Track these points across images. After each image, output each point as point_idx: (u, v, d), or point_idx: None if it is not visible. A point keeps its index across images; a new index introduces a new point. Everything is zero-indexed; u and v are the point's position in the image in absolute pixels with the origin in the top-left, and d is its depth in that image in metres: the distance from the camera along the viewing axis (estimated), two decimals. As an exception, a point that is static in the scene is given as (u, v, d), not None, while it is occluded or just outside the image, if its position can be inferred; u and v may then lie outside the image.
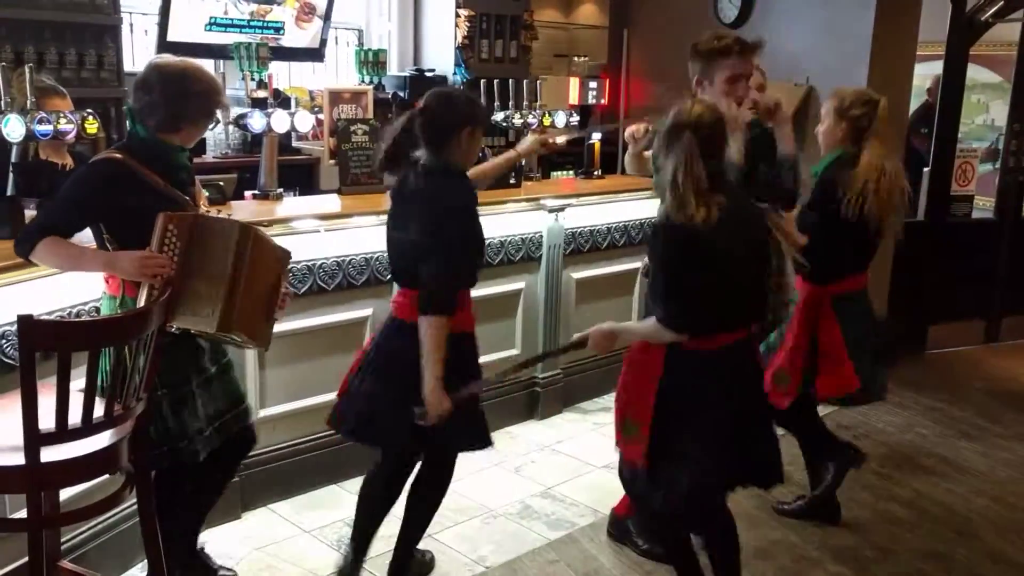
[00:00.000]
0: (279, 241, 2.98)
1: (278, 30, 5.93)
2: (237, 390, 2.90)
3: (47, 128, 2.97)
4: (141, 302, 2.49)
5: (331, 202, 4.06)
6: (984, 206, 6.61)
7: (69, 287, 2.86)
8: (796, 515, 3.64)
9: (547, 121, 5.01)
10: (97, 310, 2.87)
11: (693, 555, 2.86)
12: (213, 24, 5.61)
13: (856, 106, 3.29)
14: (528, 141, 3.45)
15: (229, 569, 3.11)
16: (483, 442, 2.93)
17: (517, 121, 4.84)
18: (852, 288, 3.45)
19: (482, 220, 2.83)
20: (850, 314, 3.40)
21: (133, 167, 2.56)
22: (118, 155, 2.59)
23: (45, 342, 2.19)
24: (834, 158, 3.36)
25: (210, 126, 2.83)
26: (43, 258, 2.55)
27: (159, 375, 2.50)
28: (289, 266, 2.96)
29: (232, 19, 5.70)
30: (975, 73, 6.77)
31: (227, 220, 2.66)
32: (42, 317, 2.20)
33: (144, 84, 2.64)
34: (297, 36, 6.07)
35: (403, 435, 2.78)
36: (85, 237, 2.68)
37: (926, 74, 6.44)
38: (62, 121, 3.01)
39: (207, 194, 3.13)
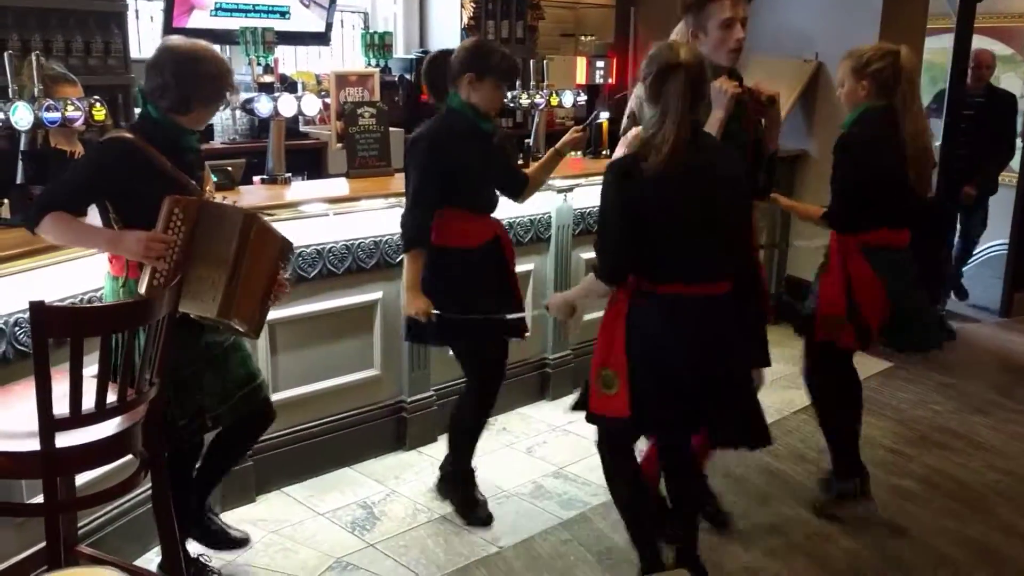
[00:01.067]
0: (288, 226, 2.98)
1: (283, 14, 5.91)
2: (248, 369, 2.91)
3: (55, 115, 2.98)
4: (143, 285, 2.50)
5: (339, 186, 4.06)
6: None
7: (81, 274, 2.87)
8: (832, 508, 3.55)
9: (554, 101, 5.00)
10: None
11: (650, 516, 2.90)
12: (219, 9, 5.60)
13: (875, 60, 3.18)
14: (565, 139, 3.51)
15: (241, 531, 3.21)
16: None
17: (524, 101, 4.82)
18: (887, 242, 3.28)
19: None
20: (886, 263, 3.26)
21: (142, 147, 2.57)
22: (128, 135, 2.60)
23: (57, 328, 2.20)
24: (861, 112, 3.24)
25: (220, 108, 2.81)
26: (48, 232, 2.54)
27: None
28: (290, 255, 2.97)
29: (237, 3, 5.69)
30: (986, 45, 6.70)
31: (232, 207, 2.67)
32: (54, 303, 2.20)
33: (155, 65, 2.64)
34: (303, 20, 6.05)
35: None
36: (94, 220, 2.68)
37: (936, 48, 6.37)
38: (70, 108, 3.02)
39: (215, 179, 3.13)
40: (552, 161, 3.56)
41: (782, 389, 4.69)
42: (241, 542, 3.20)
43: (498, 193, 3.42)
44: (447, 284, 3.22)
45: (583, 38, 7.50)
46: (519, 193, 3.52)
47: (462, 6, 6.52)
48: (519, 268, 4.35)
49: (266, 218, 2.76)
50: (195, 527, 3.04)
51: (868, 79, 3.19)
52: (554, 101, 4.99)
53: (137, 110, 5.01)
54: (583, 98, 5.37)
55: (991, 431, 4.39)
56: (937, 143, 6.03)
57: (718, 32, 2.90)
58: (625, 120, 3.76)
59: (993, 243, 6.86)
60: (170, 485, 2.56)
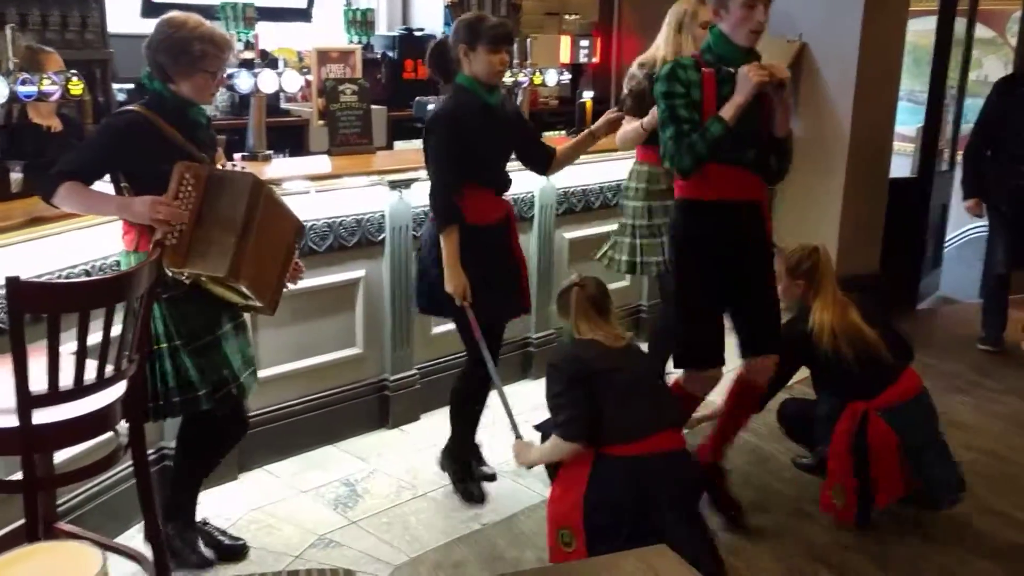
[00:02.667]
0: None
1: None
2: (248, 353, 2.94)
3: (31, 90, 2.94)
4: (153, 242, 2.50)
5: (321, 163, 4.03)
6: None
7: (72, 247, 2.87)
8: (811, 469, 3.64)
9: (538, 80, 4.98)
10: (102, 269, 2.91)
11: None
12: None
13: (804, 261, 3.35)
14: (601, 121, 3.52)
15: (237, 538, 3.11)
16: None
17: (508, 80, 4.79)
18: (896, 399, 3.30)
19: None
20: (904, 421, 3.29)
21: (152, 119, 2.63)
22: (138, 108, 2.66)
23: (33, 304, 2.18)
24: (800, 309, 3.40)
25: (212, 72, 2.70)
26: (63, 201, 2.60)
27: (178, 326, 2.65)
28: (302, 237, 3.02)
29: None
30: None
31: (241, 172, 2.71)
32: (30, 279, 2.17)
33: (148, 39, 2.69)
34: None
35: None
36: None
37: (919, 29, 6.38)
38: (45, 82, 2.98)
39: (230, 164, 3.06)
40: (585, 142, 3.55)
41: (764, 368, 4.71)
42: (238, 551, 3.06)
43: (523, 166, 3.53)
44: (465, 260, 3.19)
45: (567, 17, 7.46)
46: (544, 166, 3.55)
47: (445, -17, 6.48)
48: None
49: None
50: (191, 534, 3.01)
51: (800, 278, 3.35)
52: (537, 80, 4.97)
53: (116, 86, 5.00)
54: (567, 77, 5.35)
55: (971, 410, 4.43)
56: (919, 124, 6.08)
57: (740, 11, 2.87)
58: (627, 98, 3.76)
59: (975, 224, 6.90)
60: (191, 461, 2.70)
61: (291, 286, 2.89)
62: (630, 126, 3.74)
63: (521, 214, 4.38)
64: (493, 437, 3.69)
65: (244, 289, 2.63)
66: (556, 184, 4.48)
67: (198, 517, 3.05)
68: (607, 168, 4.78)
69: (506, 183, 3.38)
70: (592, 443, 2.69)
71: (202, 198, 2.57)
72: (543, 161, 3.54)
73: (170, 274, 2.56)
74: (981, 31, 7.26)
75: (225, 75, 2.92)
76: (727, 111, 2.86)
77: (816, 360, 3.30)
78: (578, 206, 4.68)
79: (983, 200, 5.21)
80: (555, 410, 2.76)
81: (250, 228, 2.57)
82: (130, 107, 2.69)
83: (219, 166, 2.82)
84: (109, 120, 2.72)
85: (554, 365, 2.79)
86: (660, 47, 3.76)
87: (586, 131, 3.57)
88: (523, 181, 4.32)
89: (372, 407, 3.98)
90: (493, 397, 3.41)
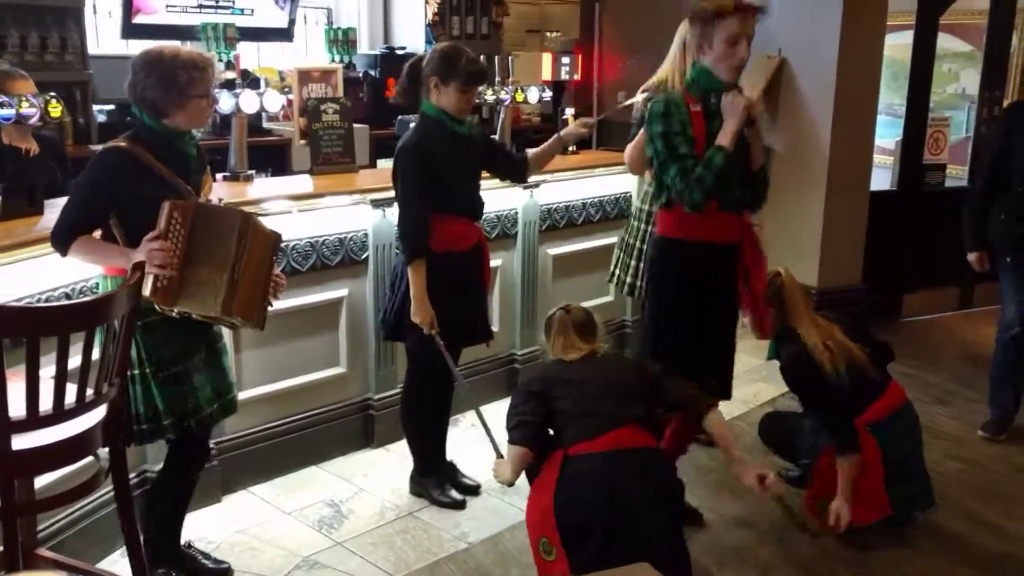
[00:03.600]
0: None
1: (244, 11, 5.85)
2: (229, 379, 2.92)
3: (9, 112, 2.93)
4: (147, 288, 2.49)
5: (303, 182, 4.02)
6: (957, 174, 6.65)
7: (52, 269, 2.84)
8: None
9: (520, 97, 4.99)
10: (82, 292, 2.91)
11: None
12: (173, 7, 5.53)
13: (767, 287, 3.34)
14: (570, 128, 3.61)
15: (221, 561, 3.08)
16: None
17: (490, 98, 4.81)
18: (883, 413, 3.32)
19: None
20: (889, 435, 3.30)
21: (137, 154, 2.62)
22: (123, 143, 2.64)
23: (12, 327, 2.16)
24: (780, 332, 3.38)
25: (203, 96, 2.68)
26: (77, 255, 2.63)
27: (150, 352, 2.64)
28: (281, 247, 2.99)
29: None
30: (945, 42, 6.78)
31: (229, 208, 2.72)
32: (8, 303, 2.16)
33: (131, 70, 2.67)
34: (266, 16, 5.99)
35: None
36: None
37: (897, 43, 6.45)
38: (24, 105, 2.97)
39: (219, 198, 3.05)
40: (554, 145, 3.62)
41: (749, 382, 4.73)
42: (222, 574, 3.04)
43: (502, 181, 3.62)
44: (433, 287, 3.23)
45: (548, 34, 7.52)
46: (522, 173, 3.62)
47: (426, 2, 6.49)
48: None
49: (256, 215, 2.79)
50: (174, 562, 2.97)
51: (770, 303, 3.36)
52: (519, 97, 4.98)
53: (96, 107, 4.98)
54: (549, 94, 5.36)
55: (952, 421, 4.45)
56: (897, 137, 6.13)
57: (723, 47, 2.91)
58: (634, 128, 3.81)
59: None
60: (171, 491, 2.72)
61: (274, 302, 2.85)
62: (636, 150, 3.75)
63: (504, 231, 4.39)
64: (480, 454, 3.67)
65: (236, 321, 2.65)
66: (539, 201, 4.49)
67: (182, 540, 3.02)
68: (590, 184, 4.80)
69: (479, 209, 3.42)
70: (537, 451, 2.82)
71: (190, 236, 2.56)
72: (519, 170, 3.60)
73: (160, 310, 2.56)
74: (957, 44, 7.35)
75: (216, 92, 2.91)
76: (724, 138, 2.90)
77: (821, 375, 3.23)
78: (561, 222, 4.69)
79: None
80: (509, 420, 2.88)
81: (239, 265, 2.58)
82: (114, 143, 2.66)
83: (206, 190, 2.82)
84: (94, 161, 2.68)
85: (520, 383, 2.90)
86: (665, 67, 3.75)
87: (555, 136, 3.63)
88: (506, 198, 4.34)
89: (356, 427, 3.97)
90: (460, 418, 3.41)
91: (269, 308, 2.80)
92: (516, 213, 4.43)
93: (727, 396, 3.23)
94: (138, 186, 2.59)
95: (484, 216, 4.19)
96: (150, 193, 2.57)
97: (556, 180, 4.59)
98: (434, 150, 3.21)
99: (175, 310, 2.57)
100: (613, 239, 4.90)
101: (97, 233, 2.66)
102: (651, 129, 2.98)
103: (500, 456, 3.11)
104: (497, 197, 4.31)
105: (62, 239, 2.60)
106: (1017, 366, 4.17)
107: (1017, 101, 4.80)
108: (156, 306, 2.54)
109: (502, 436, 3.19)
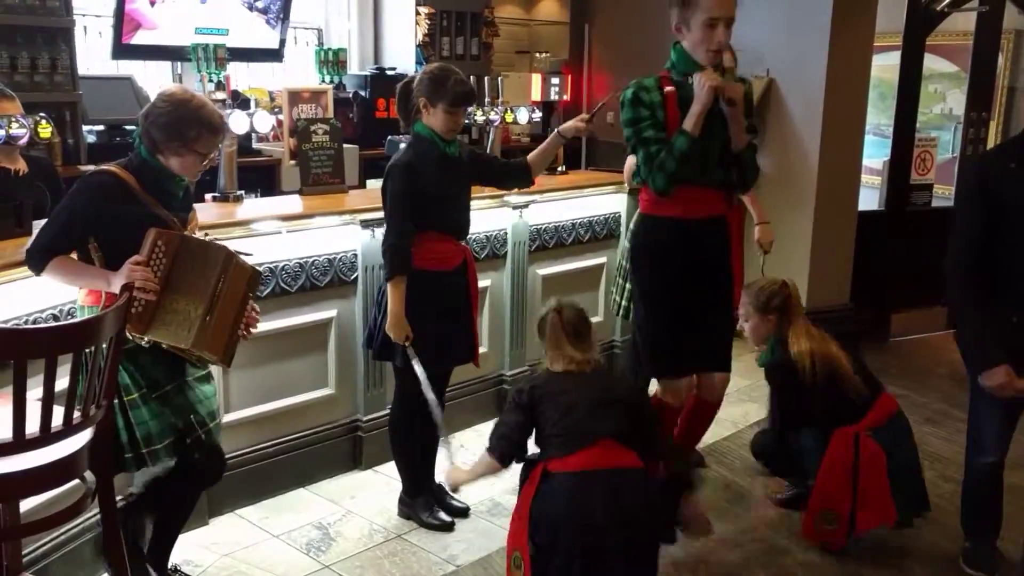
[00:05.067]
0: (240, 244, 2.94)
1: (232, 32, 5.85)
2: (212, 406, 2.88)
3: (-2, 133, 2.92)
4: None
5: (293, 203, 4.02)
6: (944, 194, 6.70)
7: (39, 291, 2.82)
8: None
9: (509, 118, 5.01)
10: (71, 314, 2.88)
11: None
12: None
13: (774, 297, 3.41)
14: (570, 124, 3.53)
15: None
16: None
17: (479, 118, 4.83)
18: (880, 418, 3.39)
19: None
20: (890, 438, 3.36)
21: (125, 181, 2.62)
22: (113, 168, 2.64)
23: (-1, 350, 2.14)
24: (772, 344, 3.44)
25: (203, 154, 2.69)
26: (53, 275, 2.61)
27: (134, 377, 2.61)
28: (260, 285, 2.99)
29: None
30: (932, 63, 6.86)
31: (213, 244, 2.71)
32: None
33: (145, 109, 2.69)
34: (256, 36, 6.00)
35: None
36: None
37: (884, 64, 6.50)
38: (14, 126, 2.97)
39: (204, 233, 3.04)
40: (554, 142, 3.55)
41: (738, 402, 4.72)
42: None
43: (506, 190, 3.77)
44: (421, 306, 3.23)
45: (538, 55, 7.56)
46: (525, 176, 3.55)
47: (417, 23, 6.52)
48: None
49: (230, 246, 2.76)
50: None
51: (771, 313, 3.43)
52: (509, 118, 5.00)
53: (85, 127, 4.98)
54: (538, 115, 5.39)
55: (942, 442, 4.45)
56: (885, 158, 6.17)
57: (700, 31, 2.93)
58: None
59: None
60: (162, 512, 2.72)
61: (246, 336, 2.80)
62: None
63: (494, 251, 4.39)
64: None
65: (204, 355, 2.63)
66: (529, 221, 4.50)
67: (168, 564, 2.99)
68: (580, 204, 4.81)
69: (465, 229, 3.43)
70: (505, 464, 2.84)
71: (172, 266, 2.55)
72: (521, 173, 3.55)
73: (130, 338, 2.53)
74: (944, 65, 7.42)
75: (214, 156, 2.90)
76: (688, 122, 2.93)
77: (801, 387, 3.29)
78: (551, 242, 4.69)
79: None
80: (495, 427, 2.89)
81: (217, 302, 2.57)
82: (105, 167, 2.66)
83: (191, 227, 2.81)
84: (81, 182, 2.68)
85: (514, 390, 2.90)
86: None
87: (554, 132, 3.57)
88: (495, 218, 4.34)
89: (344, 448, 3.95)
90: (465, 434, 3.40)
91: (238, 343, 2.76)
92: (505, 233, 4.43)
93: (726, 368, 3.28)
94: (122, 208, 2.58)
95: (473, 236, 4.24)
96: (133, 217, 2.57)
97: (545, 200, 4.59)
98: (424, 169, 3.23)
99: (145, 338, 2.56)
100: (603, 259, 4.93)
101: (74, 255, 2.64)
102: (622, 115, 3.03)
103: (452, 464, 3.18)
104: (486, 217, 4.32)
105: (39, 257, 2.58)
106: (994, 496, 3.29)
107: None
108: (128, 334, 2.50)
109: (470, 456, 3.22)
